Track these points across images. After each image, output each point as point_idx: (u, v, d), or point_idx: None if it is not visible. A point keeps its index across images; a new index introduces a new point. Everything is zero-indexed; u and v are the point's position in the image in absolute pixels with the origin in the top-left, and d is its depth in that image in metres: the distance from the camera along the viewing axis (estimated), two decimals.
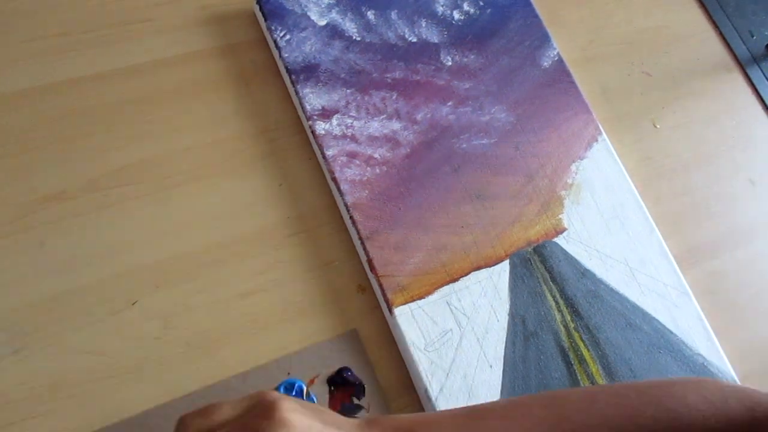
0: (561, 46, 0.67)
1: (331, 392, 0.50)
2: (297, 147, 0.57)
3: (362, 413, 0.50)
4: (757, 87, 0.72)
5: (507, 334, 0.53)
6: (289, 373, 0.50)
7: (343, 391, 0.50)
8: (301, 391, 0.49)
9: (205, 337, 0.50)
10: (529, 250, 0.56)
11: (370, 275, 0.53)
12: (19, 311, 0.48)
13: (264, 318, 0.51)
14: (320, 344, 0.51)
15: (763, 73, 0.73)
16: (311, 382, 0.50)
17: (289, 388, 0.49)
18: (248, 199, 0.55)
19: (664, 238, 0.60)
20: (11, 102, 0.53)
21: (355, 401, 0.50)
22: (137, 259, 0.51)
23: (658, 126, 0.67)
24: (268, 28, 0.57)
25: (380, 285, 0.52)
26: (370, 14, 0.60)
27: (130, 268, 0.50)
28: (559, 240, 0.57)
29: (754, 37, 0.75)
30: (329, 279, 0.54)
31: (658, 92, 0.70)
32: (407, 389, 0.52)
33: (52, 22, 0.55)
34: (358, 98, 0.57)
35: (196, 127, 0.56)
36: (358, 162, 0.55)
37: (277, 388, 0.49)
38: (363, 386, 0.51)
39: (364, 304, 0.54)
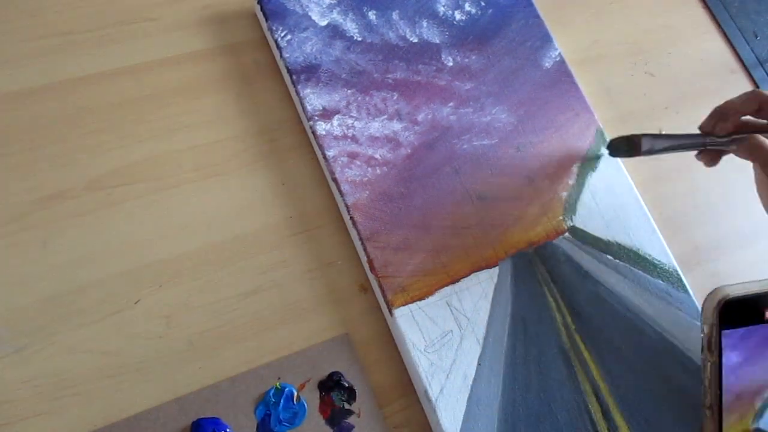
0: (564, 45, 0.66)
1: (321, 397, 0.50)
2: (298, 147, 0.57)
3: (353, 419, 0.50)
4: (761, 88, 0.72)
5: (507, 335, 0.53)
6: (279, 378, 0.50)
7: (334, 396, 0.50)
8: (291, 395, 0.49)
9: (208, 337, 0.50)
10: (530, 251, 0.56)
11: (371, 276, 0.53)
12: (21, 310, 0.48)
13: (263, 319, 0.51)
14: (311, 348, 0.51)
15: (767, 74, 0.73)
16: (302, 386, 0.50)
17: (280, 391, 0.49)
18: (250, 199, 0.54)
19: (666, 240, 0.60)
20: (12, 101, 0.53)
21: (346, 406, 0.50)
22: (139, 258, 0.51)
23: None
24: (269, 28, 0.57)
25: (380, 286, 0.52)
26: (372, 14, 0.60)
27: (133, 267, 0.50)
28: (560, 241, 0.57)
29: (758, 38, 0.74)
30: (329, 280, 0.54)
31: (661, 93, 0.70)
32: (402, 392, 0.52)
33: (52, 22, 0.56)
34: (359, 99, 0.57)
35: (197, 126, 0.56)
36: (358, 162, 0.55)
37: (267, 393, 0.49)
38: (354, 391, 0.51)
39: (363, 306, 0.54)
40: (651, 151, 0.55)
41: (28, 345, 0.47)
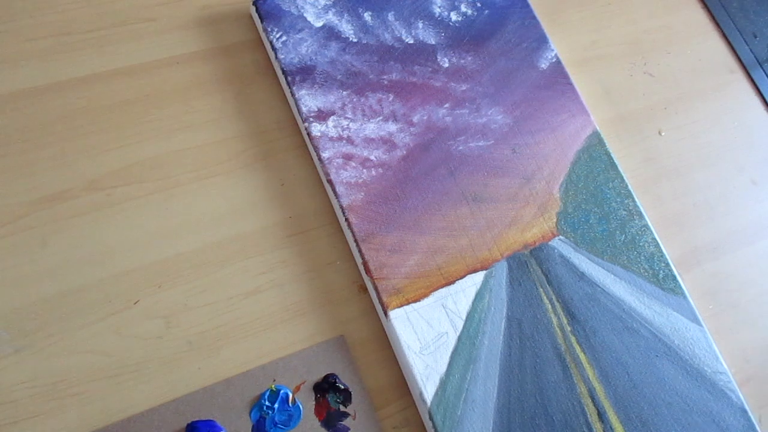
0: (563, 46, 0.66)
1: (317, 399, 0.50)
2: (294, 148, 0.57)
3: (348, 421, 0.50)
4: (760, 88, 0.72)
5: (503, 337, 0.53)
6: (274, 380, 0.50)
7: (329, 398, 0.50)
8: (287, 397, 0.49)
9: (207, 337, 0.50)
10: (526, 252, 0.56)
11: (366, 278, 0.53)
12: (21, 310, 0.48)
13: (261, 320, 0.51)
14: (307, 350, 0.51)
15: (766, 74, 0.72)
16: (297, 388, 0.50)
17: (275, 393, 0.49)
18: (246, 200, 0.55)
19: (664, 240, 0.59)
20: (12, 102, 0.53)
21: (342, 408, 0.50)
22: (139, 259, 0.51)
23: (663, 134, 0.67)
24: (264, 30, 0.57)
25: (375, 288, 0.52)
26: (367, 16, 0.60)
27: (132, 268, 0.50)
28: (556, 242, 0.57)
29: (757, 38, 0.74)
30: (326, 282, 0.54)
31: (660, 93, 0.69)
32: (398, 394, 0.52)
33: (52, 22, 0.56)
34: (354, 100, 0.57)
35: (196, 127, 0.56)
36: (353, 164, 0.55)
37: (262, 395, 0.49)
38: (350, 393, 0.51)
39: (359, 308, 0.54)
40: None
41: (27, 345, 0.47)
